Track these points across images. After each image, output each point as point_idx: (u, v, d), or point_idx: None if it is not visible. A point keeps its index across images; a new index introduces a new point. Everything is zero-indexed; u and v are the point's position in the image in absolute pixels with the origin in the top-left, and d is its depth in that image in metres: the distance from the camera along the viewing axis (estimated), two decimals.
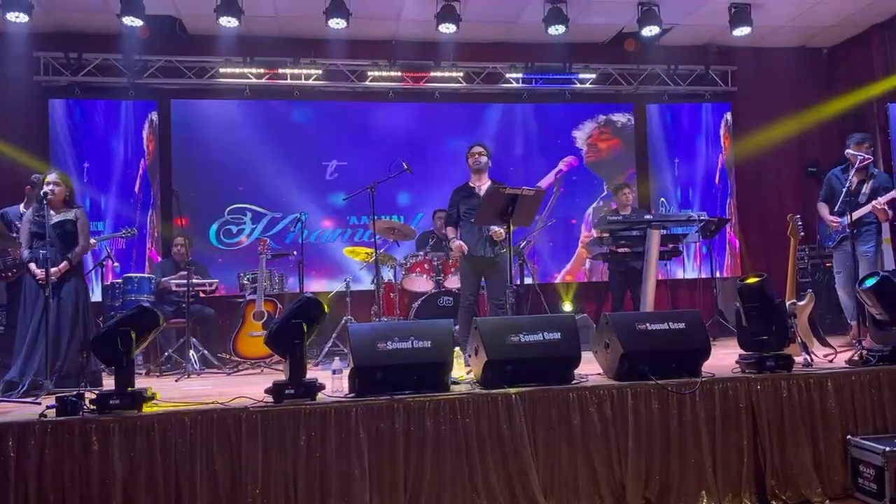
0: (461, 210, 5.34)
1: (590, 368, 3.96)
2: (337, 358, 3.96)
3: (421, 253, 6.42)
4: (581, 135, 8.21)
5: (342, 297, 6.62)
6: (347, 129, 7.70)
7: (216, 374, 5.48)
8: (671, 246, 6.36)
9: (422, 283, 6.38)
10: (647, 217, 5.68)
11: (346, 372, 3.58)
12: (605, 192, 8.14)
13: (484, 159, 5.20)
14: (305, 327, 3.36)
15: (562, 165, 8.12)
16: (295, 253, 6.46)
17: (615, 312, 5.73)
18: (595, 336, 4.03)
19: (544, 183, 7.96)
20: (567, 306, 7.37)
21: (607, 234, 6.10)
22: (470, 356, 3.86)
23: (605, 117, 8.26)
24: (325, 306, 3.53)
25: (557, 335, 3.64)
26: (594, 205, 8.16)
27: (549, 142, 8.11)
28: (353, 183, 7.27)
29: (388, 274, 6.56)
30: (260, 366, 5.62)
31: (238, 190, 7.42)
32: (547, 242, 7.76)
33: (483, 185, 5.22)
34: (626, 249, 6.25)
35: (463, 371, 4.13)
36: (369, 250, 6.45)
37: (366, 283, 6.99)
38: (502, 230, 4.93)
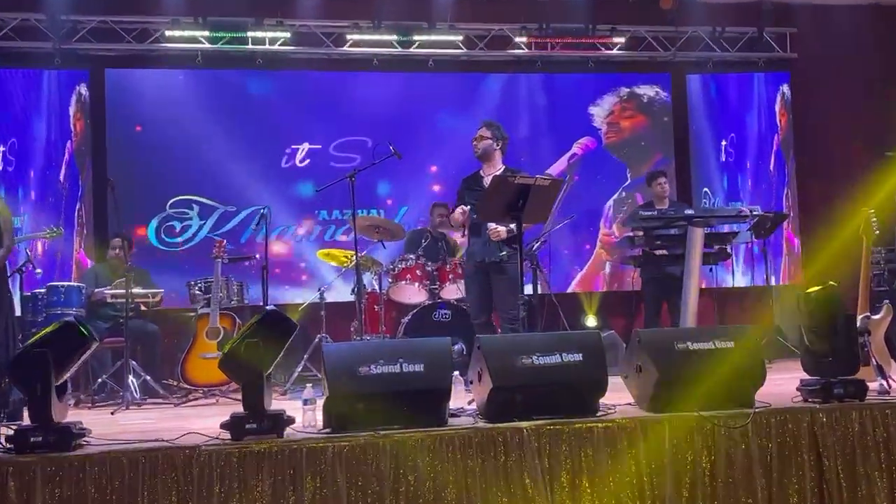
0: (469, 204, 5.36)
1: (618, 397, 3.97)
2: (309, 385, 3.98)
3: (412, 256, 6.44)
4: (599, 111, 8.29)
5: (315, 311, 6.63)
6: (322, 105, 7.78)
7: (161, 405, 5.47)
8: (717, 247, 6.41)
9: (413, 293, 6.39)
10: (689, 212, 5.78)
11: (321, 402, 3.59)
12: (629, 181, 8.22)
13: (484, 144, 5.20)
14: (268, 347, 3.37)
15: (576, 148, 8.16)
16: (257, 256, 6.50)
17: (649, 329, 5.81)
18: (625, 357, 4.05)
19: (555, 170, 8.03)
20: (590, 321, 7.41)
21: (640, 233, 6.10)
22: (472, 382, 3.87)
23: (627, 90, 8.37)
24: (294, 321, 3.55)
25: (579, 356, 3.66)
26: (615, 196, 8.22)
27: (560, 120, 8.17)
28: (327, 171, 7.34)
29: (371, 282, 6.59)
30: (215, 394, 5.63)
31: (183, 179, 7.48)
32: (556, 243, 7.70)
33: (494, 173, 5.23)
34: (663, 252, 6.30)
35: (464, 400, 4.14)
36: (348, 253, 6.43)
37: (344, 294, 6.95)
38: (502, 229, 4.95)
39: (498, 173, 5.17)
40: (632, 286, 7.09)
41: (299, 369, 6.24)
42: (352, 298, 6.35)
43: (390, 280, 6.43)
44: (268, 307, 3.53)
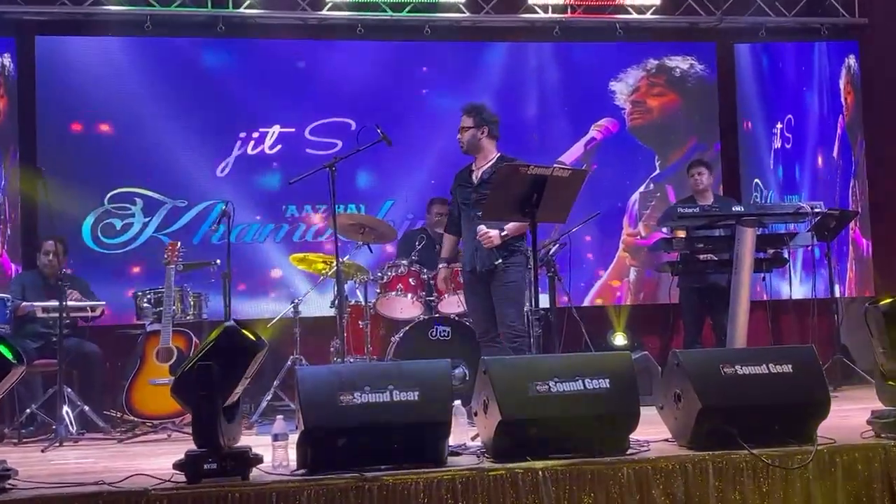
0: (459, 205, 5.41)
1: (653, 431, 3.96)
2: (280, 417, 3.95)
3: (404, 262, 6.41)
4: (622, 87, 8.27)
5: (288, 328, 6.60)
6: (295, 80, 7.77)
7: (102, 442, 5.42)
8: (771, 251, 6.40)
9: (406, 307, 6.36)
10: (737, 209, 5.73)
11: (294, 438, 3.57)
12: (657, 171, 8.21)
13: (468, 136, 5.24)
14: (227, 371, 3.37)
15: (594, 132, 8.15)
16: (218, 262, 6.36)
17: (689, 349, 5.79)
18: (661, 384, 4.05)
19: (570, 158, 8.01)
20: (619, 339, 7.37)
21: (679, 235, 6.09)
22: (476, 414, 3.86)
23: (656, 62, 8.36)
24: (261, 339, 3.55)
25: (605, 382, 3.67)
26: (641, 189, 8.20)
27: (575, 97, 8.16)
28: (303, 159, 7.31)
29: (355, 293, 6.53)
30: (167, 428, 5.59)
31: (125, 167, 7.47)
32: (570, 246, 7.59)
33: (484, 166, 5.25)
34: (706, 257, 6.29)
35: (466, 436, 4.13)
36: (328, 258, 6.41)
37: (322, 307, 6.88)
38: (494, 233, 5.01)
39: (489, 165, 5.20)
40: (668, 298, 7.04)
41: (268, 398, 6.20)
42: (332, 313, 6.30)
43: (378, 290, 6.38)
44: (227, 323, 3.51)
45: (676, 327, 7.03)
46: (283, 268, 7.47)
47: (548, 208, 4.40)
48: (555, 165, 4.42)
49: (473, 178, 5.29)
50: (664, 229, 7.14)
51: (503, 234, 5.03)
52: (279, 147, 7.70)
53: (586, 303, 7.89)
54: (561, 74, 8.14)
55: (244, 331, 3.60)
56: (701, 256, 6.29)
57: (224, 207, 6.15)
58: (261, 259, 7.62)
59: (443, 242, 5.76)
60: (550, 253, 6.47)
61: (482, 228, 5.05)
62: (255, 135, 7.67)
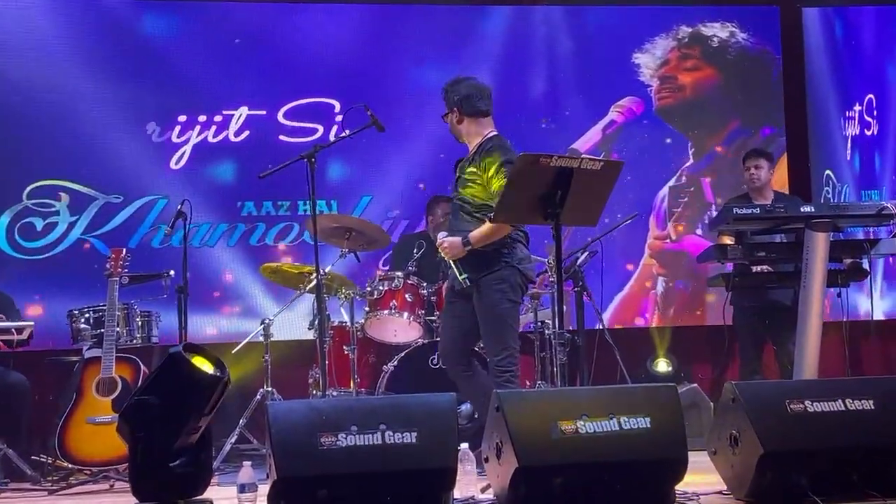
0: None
1: (703, 481, 3.98)
2: (247, 464, 3.95)
3: (399, 273, 6.32)
4: (648, 60, 8.28)
5: (255, 354, 6.56)
6: (263, 53, 7.79)
7: (30, 493, 5.38)
8: (848, 261, 6.26)
9: (401, 329, 6.30)
10: (805, 209, 5.65)
11: (265, 489, 3.56)
12: (691, 161, 8.22)
13: (448, 123, 5.19)
14: (175, 408, 3.43)
15: (614, 114, 8.18)
16: (171, 273, 6.26)
17: (748, 380, 5.77)
18: (713, 424, 4.06)
19: (585, 145, 8.03)
20: (662, 367, 7.37)
21: (728, 242, 6.07)
22: (487, 459, 3.86)
23: (689, 30, 8.34)
24: (221, 368, 3.65)
25: (645, 421, 3.68)
26: (671, 182, 8.21)
27: (592, 73, 8.17)
28: (273, 149, 7.35)
29: (339, 311, 6.50)
30: (108, 476, 5.53)
31: (47, 157, 7.47)
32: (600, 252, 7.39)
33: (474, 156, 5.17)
34: (766, 269, 6.24)
35: (476, 486, 4.12)
36: (305, 268, 6.38)
37: (299, 329, 6.93)
38: (454, 240, 4.89)
39: (474, 151, 5.10)
40: (720, 318, 6.74)
41: (233, 440, 6.18)
42: (310, 336, 6.29)
43: (367, 309, 6.34)
44: (173, 349, 3.57)
45: (731, 353, 6.94)
46: (246, 278, 7.45)
47: (575, 208, 4.38)
48: (583, 156, 4.39)
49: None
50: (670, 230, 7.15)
51: (465, 242, 4.85)
52: (246, 133, 7.70)
53: (606, 319, 7.65)
54: (574, 45, 8.16)
55: (200, 357, 3.64)
56: (759, 268, 6.24)
57: (179, 207, 6.09)
58: (214, 267, 7.59)
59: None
60: (578, 263, 6.44)
61: (441, 234, 5.01)
62: (218, 118, 7.67)
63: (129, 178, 7.49)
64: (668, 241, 8.16)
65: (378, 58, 7.88)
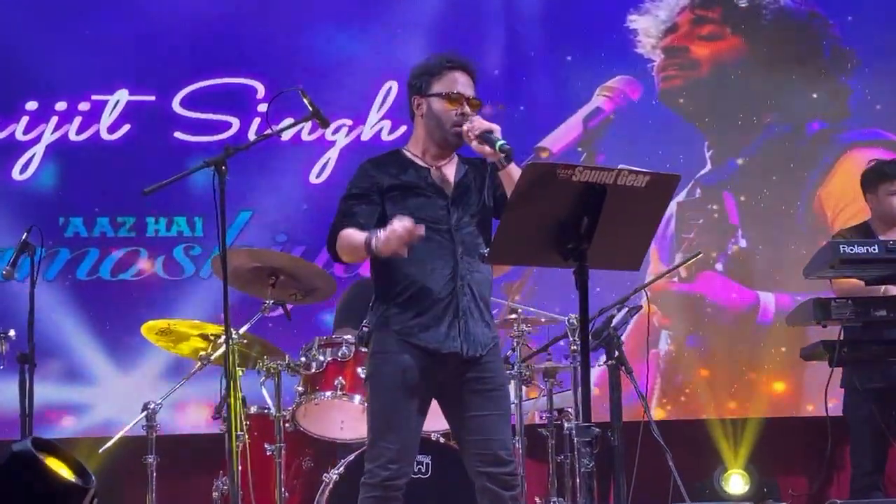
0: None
1: None
2: None
3: (347, 338, 5.76)
4: (649, 25, 7.61)
5: (136, 453, 5.92)
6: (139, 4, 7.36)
7: None
8: None
9: (350, 420, 5.80)
10: None
11: None
12: (709, 167, 7.55)
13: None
14: None
15: (601, 99, 7.59)
16: (12, 333, 5.80)
17: (865, 500, 5.58)
18: None
19: (558, 143, 7.43)
20: (735, 483, 7.08)
21: (842, 299, 5.31)
22: None
23: None
24: (84, 475, 3.36)
25: None
26: (680, 197, 7.44)
27: (569, 41, 7.61)
28: (165, 149, 7.03)
29: (260, 393, 5.99)
30: None
31: None
32: (546, 291, 7.00)
33: (447, 163, 4.57)
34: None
35: None
36: (210, 329, 5.78)
37: (197, 417, 6.96)
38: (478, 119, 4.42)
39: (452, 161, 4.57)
40: (824, 408, 5.91)
41: None
42: (216, 428, 6.04)
43: (301, 389, 5.73)
44: (16, 446, 3.27)
45: (840, 458, 6.39)
46: (127, 341, 6.84)
47: (610, 243, 3.87)
48: (621, 167, 3.75)
49: (432, 177, 4.60)
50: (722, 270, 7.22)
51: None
52: (127, 128, 7.12)
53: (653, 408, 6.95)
54: (544, 4, 7.63)
55: (54, 459, 3.36)
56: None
57: (25, 236, 5.62)
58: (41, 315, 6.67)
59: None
60: (613, 324, 5.41)
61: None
62: (84, 106, 7.09)
63: None
64: (676, 279, 7.37)
65: (270, 22, 7.42)
